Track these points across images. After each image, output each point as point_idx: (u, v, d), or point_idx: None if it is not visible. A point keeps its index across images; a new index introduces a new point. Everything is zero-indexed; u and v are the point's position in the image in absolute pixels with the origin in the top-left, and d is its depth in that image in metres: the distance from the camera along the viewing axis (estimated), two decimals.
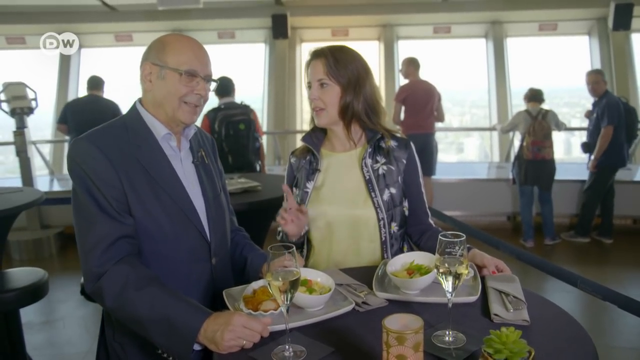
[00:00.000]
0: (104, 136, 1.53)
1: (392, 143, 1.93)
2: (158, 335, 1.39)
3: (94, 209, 1.46)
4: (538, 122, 5.44)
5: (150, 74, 1.55)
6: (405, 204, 1.95)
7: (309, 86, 1.88)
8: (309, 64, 1.89)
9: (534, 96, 5.59)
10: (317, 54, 1.87)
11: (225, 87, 4.93)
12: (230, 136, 4.77)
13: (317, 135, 1.99)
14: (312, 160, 1.97)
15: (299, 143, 2.05)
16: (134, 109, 1.62)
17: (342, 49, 1.88)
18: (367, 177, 1.88)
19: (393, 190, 1.89)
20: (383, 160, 1.91)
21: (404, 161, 1.92)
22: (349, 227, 1.88)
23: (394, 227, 1.91)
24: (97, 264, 1.44)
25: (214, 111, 4.82)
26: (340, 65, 1.84)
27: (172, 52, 1.53)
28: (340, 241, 1.91)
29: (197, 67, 1.54)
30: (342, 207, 1.89)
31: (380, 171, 1.89)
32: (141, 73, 1.57)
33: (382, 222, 1.88)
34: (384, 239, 1.89)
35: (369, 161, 1.90)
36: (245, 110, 4.88)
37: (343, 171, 1.93)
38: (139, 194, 1.50)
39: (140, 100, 1.62)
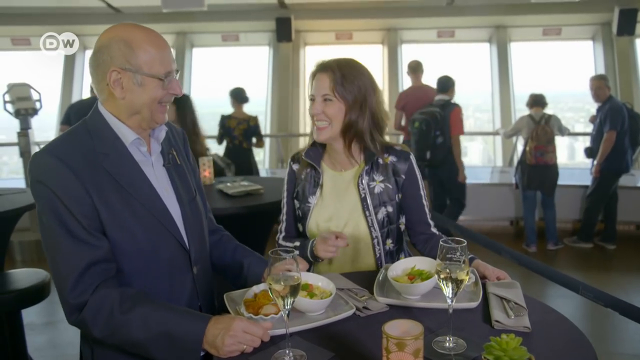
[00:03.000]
0: (67, 147, 1.41)
1: (392, 158, 1.90)
2: (161, 352, 1.35)
3: (61, 233, 1.35)
4: (541, 127, 5.43)
5: (119, 79, 1.40)
6: (402, 220, 1.95)
7: (312, 99, 1.84)
8: (313, 76, 1.84)
9: (536, 101, 5.57)
10: (323, 67, 1.82)
11: (444, 84, 5.50)
12: (410, 132, 5.50)
13: (317, 150, 1.96)
14: (313, 175, 1.95)
15: (302, 146, 2.03)
16: (97, 113, 1.48)
17: (350, 64, 1.83)
18: (363, 196, 1.88)
19: (390, 209, 1.89)
20: (380, 178, 1.89)
21: (403, 176, 1.89)
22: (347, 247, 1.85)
23: (390, 244, 1.92)
24: (73, 296, 1.35)
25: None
26: (347, 81, 1.79)
27: (143, 54, 1.40)
28: (337, 258, 1.89)
29: (170, 66, 1.45)
30: (339, 225, 1.89)
31: (377, 190, 1.88)
32: (104, 79, 1.42)
33: (375, 240, 1.89)
34: (378, 255, 1.90)
35: (365, 179, 1.88)
36: (431, 110, 5.34)
37: (341, 189, 1.92)
38: (111, 208, 1.39)
39: (102, 102, 1.49)
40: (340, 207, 1.90)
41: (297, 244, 1.93)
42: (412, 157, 1.91)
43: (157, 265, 1.48)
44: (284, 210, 2.04)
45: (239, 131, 5.81)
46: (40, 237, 1.41)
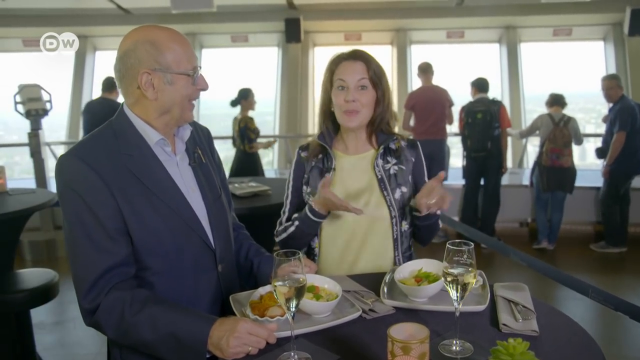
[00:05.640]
0: (93, 149, 1.43)
1: (402, 143, 1.97)
2: (169, 353, 1.36)
3: (82, 239, 1.38)
4: (559, 130, 5.39)
5: (150, 81, 1.41)
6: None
7: (342, 87, 1.86)
8: (338, 63, 1.89)
9: (556, 100, 5.54)
10: (356, 56, 1.87)
11: (484, 84, 5.75)
12: (469, 124, 5.62)
13: (330, 135, 1.99)
14: (325, 160, 1.98)
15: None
16: (122, 114, 1.49)
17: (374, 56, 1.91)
18: (379, 177, 1.91)
19: (404, 189, 1.92)
20: (394, 161, 1.94)
21: (413, 159, 1.96)
22: (364, 225, 1.90)
23: (405, 225, 1.94)
24: (87, 302, 1.39)
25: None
26: (380, 71, 1.87)
27: (170, 53, 1.41)
28: (354, 239, 1.92)
29: (195, 62, 1.46)
30: (356, 205, 1.87)
31: (392, 171, 1.93)
32: (134, 81, 1.42)
33: (394, 220, 1.90)
34: (395, 236, 1.92)
35: (380, 162, 1.93)
36: (487, 103, 5.62)
37: (355, 172, 1.95)
38: (135, 208, 1.41)
39: (128, 105, 1.50)
40: (358, 190, 1.93)
41: (295, 215, 1.95)
42: (419, 146, 2.00)
43: (183, 264, 1.50)
44: (288, 200, 2.03)
45: (236, 133, 5.84)
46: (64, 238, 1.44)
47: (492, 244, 4.25)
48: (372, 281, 1.70)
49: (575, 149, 5.64)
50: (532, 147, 7.20)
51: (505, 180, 6.03)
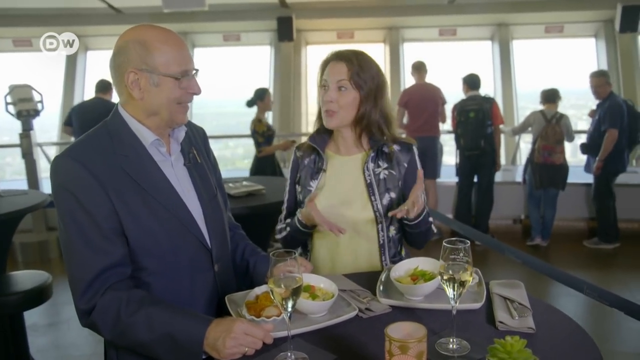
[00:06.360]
0: (88, 150, 1.43)
1: (395, 147, 1.94)
2: (165, 354, 1.36)
3: (77, 240, 1.38)
4: (551, 127, 5.40)
5: (137, 80, 1.41)
6: None
7: (324, 85, 1.86)
8: (326, 63, 1.88)
9: (549, 97, 5.55)
10: (340, 56, 1.85)
11: (476, 81, 5.71)
12: (462, 122, 5.60)
13: (323, 136, 1.98)
14: (316, 160, 1.97)
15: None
16: (117, 114, 1.49)
17: (365, 56, 1.87)
18: (369, 181, 1.89)
19: (393, 195, 1.90)
20: (385, 165, 1.92)
21: (405, 165, 1.93)
22: (349, 228, 1.86)
23: (392, 231, 1.94)
24: (83, 302, 1.38)
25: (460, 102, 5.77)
26: (364, 72, 1.83)
27: (159, 54, 1.40)
28: (339, 241, 1.91)
29: (188, 65, 1.44)
30: (342, 208, 1.89)
31: (382, 176, 1.91)
32: (122, 80, 1.42)
33: (380, 226, 1.90)
34: (382, 242, 1.91)
35: (370, 165, 1.91)
36: (480, 101, 5.59)
37: (345, 173, 1.94)
38: (131, 209, 1.41)
39: (121, 104, 1.50)
40: (345, 192, 1.92)
41: (288, 220, 1.96)
42: (415, 149, 1.96)
43: (179, 264, 1.49)
44: (286, 198, 2.05)
45: (251, 135, 5.71)
46: (59, 240, 1.43)
47: (487, 241, 4.25)
48: (368, 280, 1.70)
49: (567, 145, 5.66)
50: (525, 144, 7.23)
51: (498, 177, 6.04)
